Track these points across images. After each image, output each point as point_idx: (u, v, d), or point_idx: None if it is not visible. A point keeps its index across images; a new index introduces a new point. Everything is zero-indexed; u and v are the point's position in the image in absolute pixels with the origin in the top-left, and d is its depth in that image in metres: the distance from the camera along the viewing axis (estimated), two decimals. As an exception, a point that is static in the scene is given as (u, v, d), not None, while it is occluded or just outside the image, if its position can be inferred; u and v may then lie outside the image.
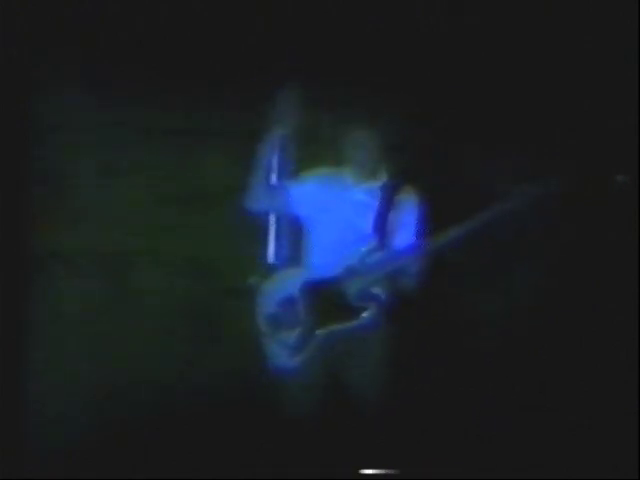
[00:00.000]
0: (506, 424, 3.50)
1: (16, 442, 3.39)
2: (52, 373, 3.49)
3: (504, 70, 3.60)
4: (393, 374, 3.12)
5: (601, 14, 3.49)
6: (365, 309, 3.00)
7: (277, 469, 3.08)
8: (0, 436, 3.36)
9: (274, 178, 3.24)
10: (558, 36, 3.55)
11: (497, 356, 3.60)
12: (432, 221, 3.08)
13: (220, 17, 3.50)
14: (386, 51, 3.52)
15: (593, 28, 3.52)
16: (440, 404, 3.53)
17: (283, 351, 3.01)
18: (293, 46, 3.49)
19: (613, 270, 3.58)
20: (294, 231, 3.26)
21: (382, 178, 3.11)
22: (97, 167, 3.59)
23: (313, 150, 3.38)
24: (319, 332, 2.98)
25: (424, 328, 3.50)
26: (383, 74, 3.50)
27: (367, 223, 3.07)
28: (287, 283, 3.09)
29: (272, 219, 3.50)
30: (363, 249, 3.02)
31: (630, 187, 3.35)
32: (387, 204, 3.08)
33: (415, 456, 3.24)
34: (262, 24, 3.50)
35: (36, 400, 3.47)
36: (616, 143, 3.55)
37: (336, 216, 3.07)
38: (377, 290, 3.03)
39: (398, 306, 3.09)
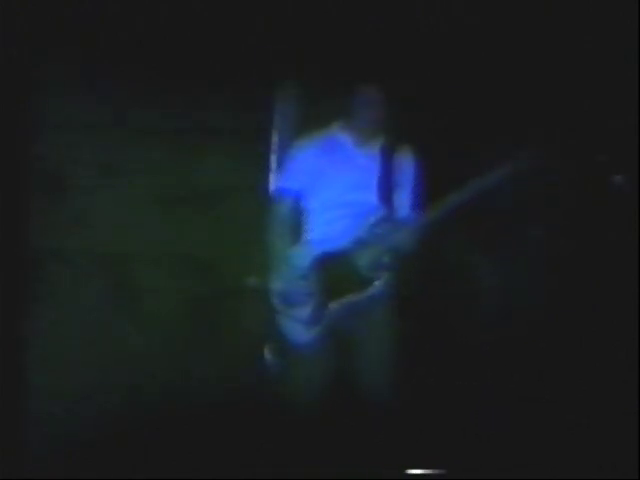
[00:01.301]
0: (506, 424, 3.51)
1: (16, 442, 3.39)
2: (52, 373, 3.49)
3: (504, 70, 3.60)
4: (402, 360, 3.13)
5: (601, 14, 3.49)
6: (376, 279, 3.01)
7: (277, 469, 3.09)
8: (0, 436, 3.36)
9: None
10: (558, 36, 3.55)
11: (497, 356, 3.60)
12: (431, 179, 3.10)
13: (220, 17, 3.50)
14: (386, 51, 3.52)
15: (593, 28, 3.52)
16: (442, 399, 3.53)
17: (298, 327, 3.01)
18: (293, 46, 3.50)
19: (613, 270, 3.59)
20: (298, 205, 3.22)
21: (381, 138, 3.10)
22: (97, 167, 3.60)
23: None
24: (332, 305, 2.98)
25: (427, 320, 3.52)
26: (383, 74, 3.49)
27: (371, 189, 3.07)
28: (296, 258, 3.08)
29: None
30: (370, 220, 3.02)
31: (630, 187, 3.36)
32: (388, 165, 3.08)
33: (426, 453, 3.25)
34: (262, 24, 3.50)
35: (36, 400, 3.47)
36: (616, 143, 3.56)
37: (338, 183, 3.06)
38: (387, 259, 3.04)
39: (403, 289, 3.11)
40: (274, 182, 3.26)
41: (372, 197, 3.06)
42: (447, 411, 3.52)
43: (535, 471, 3.28)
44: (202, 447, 3.42)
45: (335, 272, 3.00)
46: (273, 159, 3.59)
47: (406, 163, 3.12)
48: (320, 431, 3.09)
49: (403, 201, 3.10)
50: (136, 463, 3.35)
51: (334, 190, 3.05)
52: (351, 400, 3.13)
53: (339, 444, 3.13)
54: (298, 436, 3.09)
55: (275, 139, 3.59)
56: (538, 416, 3.53)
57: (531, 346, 3.61)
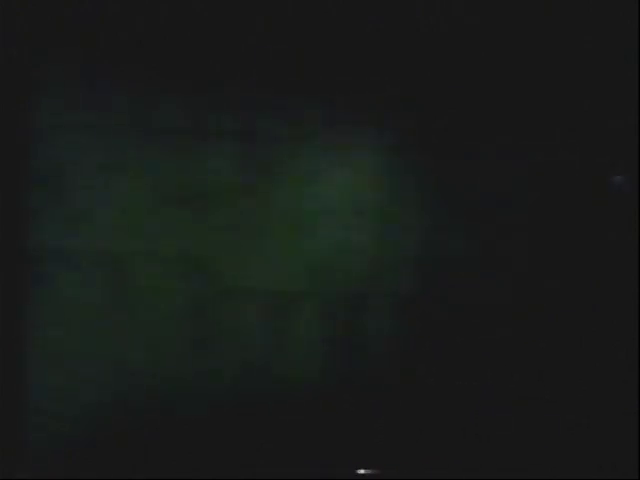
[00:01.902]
0: (506, 424, 3.50)
1: (16, 442, 3.39)
2: (52, 373, 3.49)
3: (504, 70, 3.60)
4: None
5: (601, 14, 3.49)
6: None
7: (277, 469, 3.08)
8: (0, 436, 3.36)
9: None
10: (558, 36, 3.55)
11: (497, 356, 3.60)
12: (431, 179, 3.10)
13: (220, 17, 3.50)
14: (386, 51, 3.52)
15: (593, 28, 3.53)
16: (436, 403, 3.53)
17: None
18: (293, 47, 3.50)
19: (613, 270, 3.59)
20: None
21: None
22: (97, 167, 3.60)
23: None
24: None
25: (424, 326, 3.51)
26: (383, 73, 3.50)
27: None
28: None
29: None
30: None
31: (630, 187, 3.36)
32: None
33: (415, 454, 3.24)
34: (262, 25, 3.50)
35: (36, 400, 3.47)
36: (616, 143, 3.56)
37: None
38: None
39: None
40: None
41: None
42: (448, 411, 3.52)
43: (535, 471, 3.28)
44: (202, 447, 3.42)
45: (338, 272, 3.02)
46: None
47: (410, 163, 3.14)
48: (318, 431, 3.09)
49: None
50: (136, 463, 3.35)
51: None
52: (351, 398, 3.13)
53: (340, 444, 3.13)
54: (298, 435, 3.08)
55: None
56: (538, 416, 3.53)
57: (531, 346, 3.61)
